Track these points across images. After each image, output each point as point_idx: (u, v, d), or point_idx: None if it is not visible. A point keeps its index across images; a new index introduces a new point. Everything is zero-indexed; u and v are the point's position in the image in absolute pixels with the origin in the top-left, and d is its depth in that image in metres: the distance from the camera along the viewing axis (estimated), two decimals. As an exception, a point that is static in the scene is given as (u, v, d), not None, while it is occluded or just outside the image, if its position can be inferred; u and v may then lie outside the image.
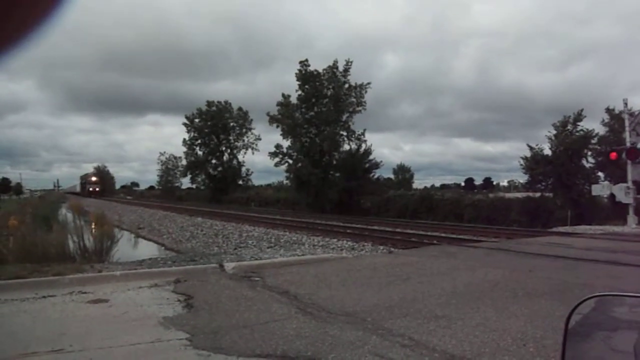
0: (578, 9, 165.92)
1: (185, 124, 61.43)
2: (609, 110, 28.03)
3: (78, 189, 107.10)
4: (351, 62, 39.02)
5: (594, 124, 28.36)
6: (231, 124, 61.14)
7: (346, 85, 39.04)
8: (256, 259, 9.94)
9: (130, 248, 18.57)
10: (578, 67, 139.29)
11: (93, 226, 13.77)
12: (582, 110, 27.30)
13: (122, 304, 6.24)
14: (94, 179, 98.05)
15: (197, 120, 60.95)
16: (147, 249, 18.54)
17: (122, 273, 8.07)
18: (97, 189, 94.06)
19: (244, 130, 61.04)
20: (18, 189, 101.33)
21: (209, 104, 60.83)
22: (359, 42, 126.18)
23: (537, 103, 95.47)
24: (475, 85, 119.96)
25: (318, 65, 39.50)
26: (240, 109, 60.81)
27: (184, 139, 62.12)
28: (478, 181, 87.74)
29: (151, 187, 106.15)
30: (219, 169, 61.30)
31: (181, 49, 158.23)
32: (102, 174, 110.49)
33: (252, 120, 60.36)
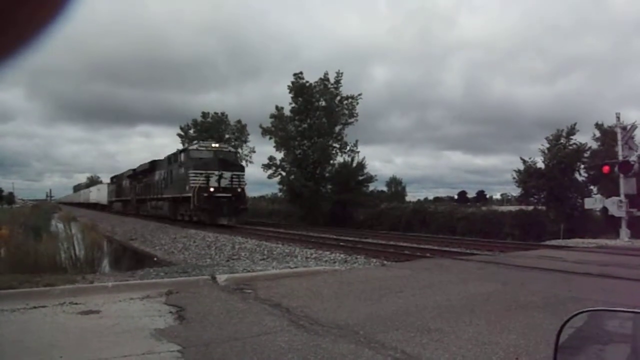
0: (566, 23, 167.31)
1: (179, 135, 61.08)
2: (598, 126, 28.33)
3: (98, 196, 64.40)
4: (342, 73, 39.23)
5: (584, 138, 28.67)
6: (227, 136, 60.94)
7: (338, 97, 39.21)
8: (249, 271, 9.90)
9: (122, 259, 18.47)
10: (567, 81, 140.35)
11: (85, 237, 13.70)
12: (575, 124, 27.64)
13: (114, 315, 6.19)
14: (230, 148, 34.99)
15: (191, 131, 60.79)
16: (139, 260, 18.47)
17: (113, 284, 8.01)
18: (240, 191, 28.38)
19: (239, 142, 60.78)
20: (10, 198, 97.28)
21: (204, 115, 60.76)
22: (346, 55, 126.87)
23: (527, 116, 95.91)
24: (464, 98, 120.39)
25: (305, 77, 39.70)
26: (239, 121, 60.64)
27: (178, 150, 61.73)
28: (471, 194, 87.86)
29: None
30: (213, 179, 60.37)
31: (168, 60, 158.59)
32: None
33: (249, 134, 60.12)
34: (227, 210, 27.36)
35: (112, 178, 57.89)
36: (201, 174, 27.04)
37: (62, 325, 5.77)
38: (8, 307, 6.40)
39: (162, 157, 36.55)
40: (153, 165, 36.92)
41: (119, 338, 5.19)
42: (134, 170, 42.82)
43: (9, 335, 5.33)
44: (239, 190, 28.16)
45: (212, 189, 26.88)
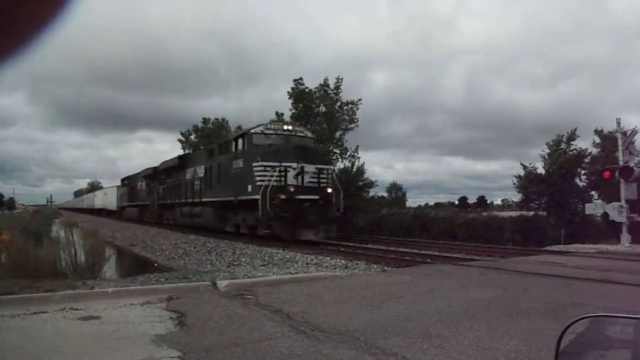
0: (566, 27, 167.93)
1: (180, 140, 61.06)
2: (598, 132, 28.34)
3: (104, 200, 57.10)
4: (341, 79, 39.13)
5: (585, 143, 28.67)
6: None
7: (338, 103, 39.20)
8: (249, 277, 9.90)
9: (123, 264, 18.45)
10: (567, 85, 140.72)
11: (85, 243, 13.68)
12: (575, 129, 27.60)
13: (114, 321, 6.19)
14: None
15: (192, 136, 60.80)
16: (139, 266, 18.43)
17: (114, 290, 8.01)
18: (330, 192, 19.90)
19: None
20: (11, 203, 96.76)
21: (205, 120, 60.76)
22: (346, 60, 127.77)
23: (527, 121, 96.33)
24: (464, 103, 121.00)
25: (305, 82, 39.57)
26: (239, 127, 60.43)
27: (179, 156, 61.74)
28: (472, 200, 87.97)
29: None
30: (214, 185, 60.12)
31: (168, 65, 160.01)
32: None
33: None
34: (314, 219, 19.12)
35: (123, 180, 50.62)
36: (273, 167, 18.88)
37: (62, 330, 5.77)
38: (9, 313, 6.40)
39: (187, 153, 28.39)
40: (183, 160, 29.93)
41: (120, 344, 5.18)
42: (154, 168, 34.90)
43: (10, 341, 5.33)
44: (329, 190, 19.90)
45: (291, 189, 18.71)
